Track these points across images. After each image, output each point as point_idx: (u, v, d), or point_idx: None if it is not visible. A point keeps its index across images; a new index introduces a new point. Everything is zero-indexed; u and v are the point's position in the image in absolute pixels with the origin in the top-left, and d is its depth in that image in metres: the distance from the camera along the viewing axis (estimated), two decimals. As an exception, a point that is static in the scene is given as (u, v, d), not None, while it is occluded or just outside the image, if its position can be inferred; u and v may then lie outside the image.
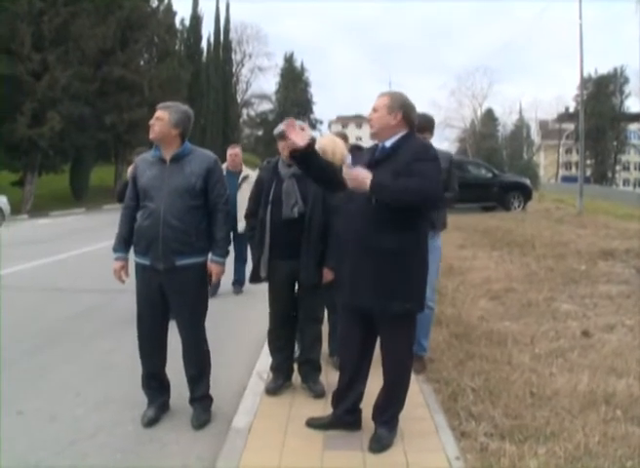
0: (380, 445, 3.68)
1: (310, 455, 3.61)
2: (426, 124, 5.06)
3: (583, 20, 26.58)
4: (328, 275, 4.39)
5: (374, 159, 3.63)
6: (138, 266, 4.29)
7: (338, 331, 4.84)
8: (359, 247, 3.57)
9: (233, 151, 8.05)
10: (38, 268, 11.17)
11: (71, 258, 12.53)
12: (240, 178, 8.11)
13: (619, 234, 14.43)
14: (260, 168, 5.17)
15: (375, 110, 3.70)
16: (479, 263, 10.42)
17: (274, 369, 4.78)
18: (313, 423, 4.02)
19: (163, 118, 4.15)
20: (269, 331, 4.80)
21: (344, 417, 3.94)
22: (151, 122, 4.19)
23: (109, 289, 8.14)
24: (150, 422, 4.24)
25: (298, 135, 3.64)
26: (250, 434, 3.90)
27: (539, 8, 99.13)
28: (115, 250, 4.36)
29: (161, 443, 3.99)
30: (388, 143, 3.65)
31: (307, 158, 3.70)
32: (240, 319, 7.26)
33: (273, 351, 4.79)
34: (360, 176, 3.40)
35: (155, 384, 4.37)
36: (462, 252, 11.76)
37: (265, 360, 5.21)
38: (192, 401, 4.36)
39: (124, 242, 4.34)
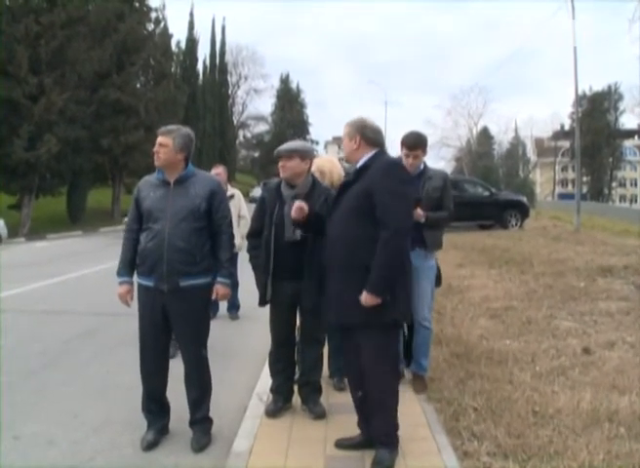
0: (381, 466, 3.60)
1: (312, 478, 3.56)
2: (417, 142, 4.97)
3: (578, 38, 26.85)
4: None
5: (347, 181, 3.86)
6: (140, 287, 4.29)
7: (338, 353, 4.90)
8: (342, 266, 3.66)
9: (216, 170, 8.00)
10: (37, 290, 11.13)
11: (70, 281, 12.49)
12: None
13: (616, 250, 14.45)
14: (262, 188, 5.09)
15: (343, 139, 3.94)
16: (478, 282, 10.39)
17: (274, 390, 4.73)
18: (344, 443, 3.98)
19: (167, 144, 4.15)
20: (270, 353, 4.75)
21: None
22: (155, 149, 4.19)
23: (108, 311, 8.18)
24: (150, 446, 4.19)
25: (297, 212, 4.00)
26: (250, 457, 3.85)
27: (534, 26, 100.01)
28: (119, 274, 4.34)
29: (161, 466, 3.95)
30: (359, 164, 3.81)
31: (307, 225, 4.13)
32: (239, 341, 7.20)
33: (274, 373, 4.75)
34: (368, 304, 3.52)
35: (155, 407, 4.34)
36: (461, 270, 11.74)
37: (265, 381, 5.15)
38: (192, 423, 4.32)
39: (128, 266, 4.32)
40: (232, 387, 5.49)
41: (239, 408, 4.90)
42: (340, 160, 5.70)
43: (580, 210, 23.27)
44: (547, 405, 4.54)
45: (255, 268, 4.71)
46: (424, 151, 5.10)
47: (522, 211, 23.15)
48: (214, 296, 4.29)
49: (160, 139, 4.18)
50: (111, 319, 7.92)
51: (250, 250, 4.79)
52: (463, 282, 10.31)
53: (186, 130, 4.32)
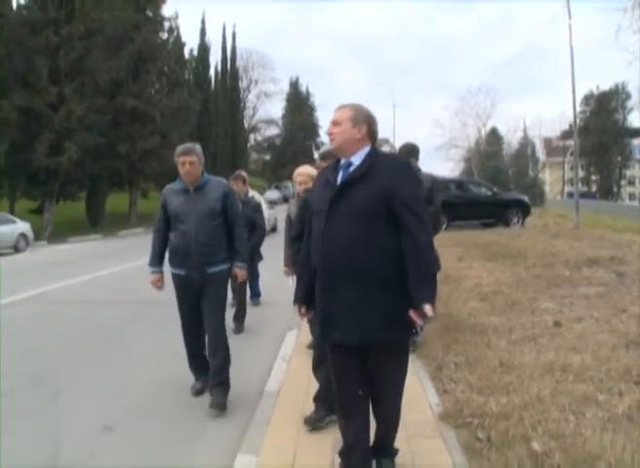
0: None
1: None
2: (412, 151, 6.22)
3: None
4: None
5: (347, 178, 3.34)
6: (174, 276, 5.20)
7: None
8: (354, 278, 3.24)
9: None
10: (75, 285, 12.40)
11: (102, 277, 13.67)
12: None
13: (611, 245, 15.22)
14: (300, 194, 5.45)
15: (336, 123, 3.43)
16: (473, 272, 11.39)
17: (317, 398, 4.54)
18: None
19: (194, 162, 4.99)
20: (315, 356, 4.62)
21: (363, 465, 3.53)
22: (187, 168, 4.95)
23: (145, 300, 9.32)
24: (198, 393, 5.34)
25: None
26: (279, 395, 5.05)
27: (541, 26, 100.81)
28: (151, 264, 5.30)
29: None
30: (356, 160, 3.39)
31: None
32: (261, 323, 8.30)
33: (321, 378, 4.49)
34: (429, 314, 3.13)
35: (198, 362, 5.40)
36: (460, 263, 12.70)
37: (286, 349, 6.36)
38: (212, 387, 5.11)
39: (158, 257, 5.28)
40: (258, 355, 6.61)
41: (265, 368, 6.02)
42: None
43: (588, 207, 24.18)
44: (514, 360, 5.60)
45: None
46: (417, 158, 6.32)
47: (524, 209, 24.06)
48: (232, 276, 5.26)
49: (188, 159, 4.97)
50: (152, 305, 8.99)
51: (294, 255, 5.15)
52: (461, 272, 11.29)
53: (199, 146, 5.19)
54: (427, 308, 3.09)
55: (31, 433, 4.58)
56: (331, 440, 3.91)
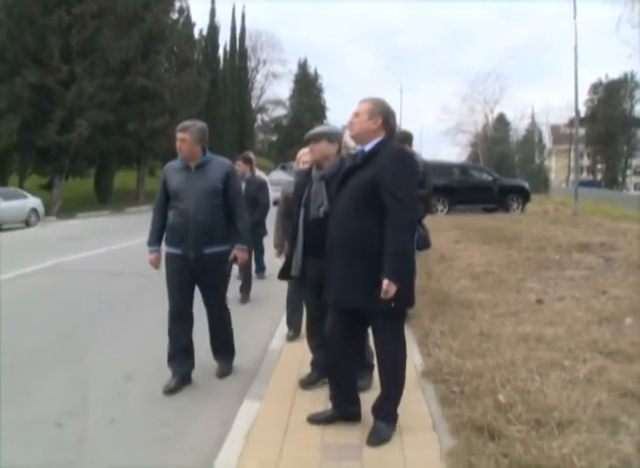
0: (377, 438, 3.80)
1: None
2: (406, 137, 6.81)
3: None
4: None
5: (354, 165, 3.86)
6: (169, 255, 5.13)
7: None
8: (345, 250, 3.75)
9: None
10: (88, 257, 13.05)
11: (113, 251, 14.27)
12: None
13: (606, 232, 15.74)
14: (296, 172, 5.80)
15: (357, 115, 3.87)
16: (468, 254, 11.96)
17: (312, 363, 5.00)
18: (315, 419, 4.15)
19: (186, 139, 4.90)
20: (307, 326, 5.05)
21: (346, 408, 4.12)
22: (177, 144, 4.95)
23: (154, 273, 9.85)
24: (170, 391, 5.05)
25: None
26: (281, 353, 5.70)
27: (550, 13, 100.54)
28: (150, 243, 5.24)
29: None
30: (367, 148, 3.83)
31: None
32: (266, 294, 8.89)
33: (314, 348, 4.95)
34: (390, 293, 3.54)
35: (180, 350, 5.23)
36: (456, 245, 13.26)
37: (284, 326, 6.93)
38: (216, 355, 5.46)
39: (157, 236, 5.19)
40: (263, 321, 7.23)
41: (269, 332, 6.65)
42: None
43: (591, 196, 24.66)
44: (494, 330, 6.18)
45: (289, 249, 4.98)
46: (410, 144, 6.92)
47: (524, 195, 24.71)
48: (231, 258, 5.24)
49: (180, 136, 4.90)
50: (158, 278, 9.54)
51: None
52: (455, 253, 11.88)
53: (200, 124, 5.05)
54: (385, 283, 3.51)
55: (64, 381, 5.25)
56: (325, 390, 4.49)
